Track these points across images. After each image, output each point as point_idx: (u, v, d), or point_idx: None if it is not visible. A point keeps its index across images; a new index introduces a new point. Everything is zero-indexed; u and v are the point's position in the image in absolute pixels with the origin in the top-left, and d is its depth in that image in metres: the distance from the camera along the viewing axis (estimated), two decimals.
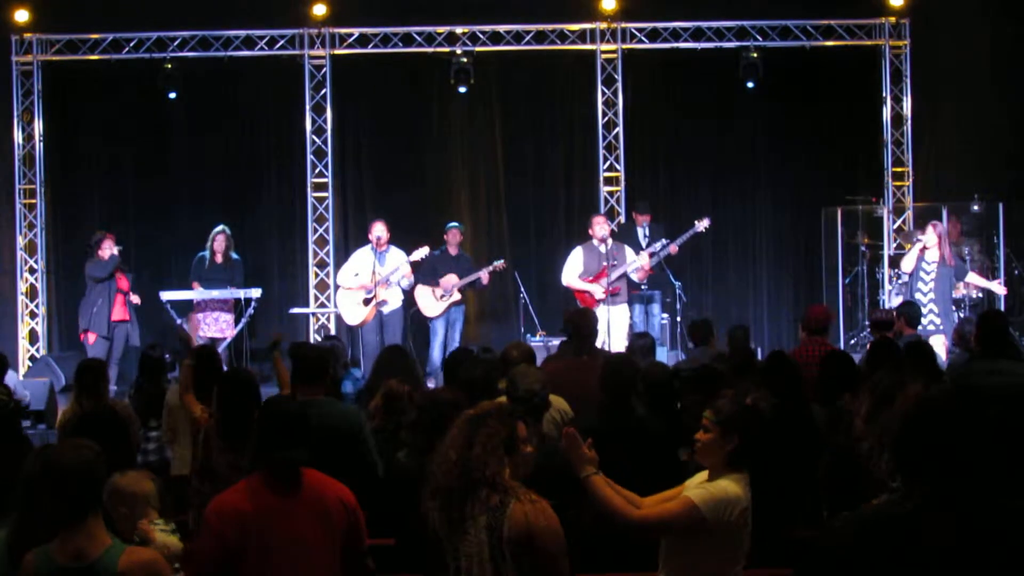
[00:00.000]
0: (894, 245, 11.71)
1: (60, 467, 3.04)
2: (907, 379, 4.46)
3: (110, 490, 3.57)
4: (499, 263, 10.69)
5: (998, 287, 10.60)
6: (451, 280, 10.60)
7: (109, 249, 10.31)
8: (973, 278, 10.28)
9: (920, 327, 8.28)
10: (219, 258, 10.99)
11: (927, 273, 9.85)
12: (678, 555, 3.58)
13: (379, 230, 10.48)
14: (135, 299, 10.60)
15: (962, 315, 10.87)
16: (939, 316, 9.38)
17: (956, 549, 2.35)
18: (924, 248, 9.79)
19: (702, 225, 10.58)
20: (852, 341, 11.56)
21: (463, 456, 3.19)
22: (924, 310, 8.87)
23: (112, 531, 3.49)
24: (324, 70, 11.83)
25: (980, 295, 11.29)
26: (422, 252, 10.45)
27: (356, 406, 5.79)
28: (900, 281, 10.42)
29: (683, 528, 3.50)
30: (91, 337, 10.37)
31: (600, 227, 10.21)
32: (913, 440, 2.44)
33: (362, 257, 10.63)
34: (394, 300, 10.58)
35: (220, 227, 11.05)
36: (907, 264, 9.98)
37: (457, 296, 10.65)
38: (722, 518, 3.47)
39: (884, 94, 11.96)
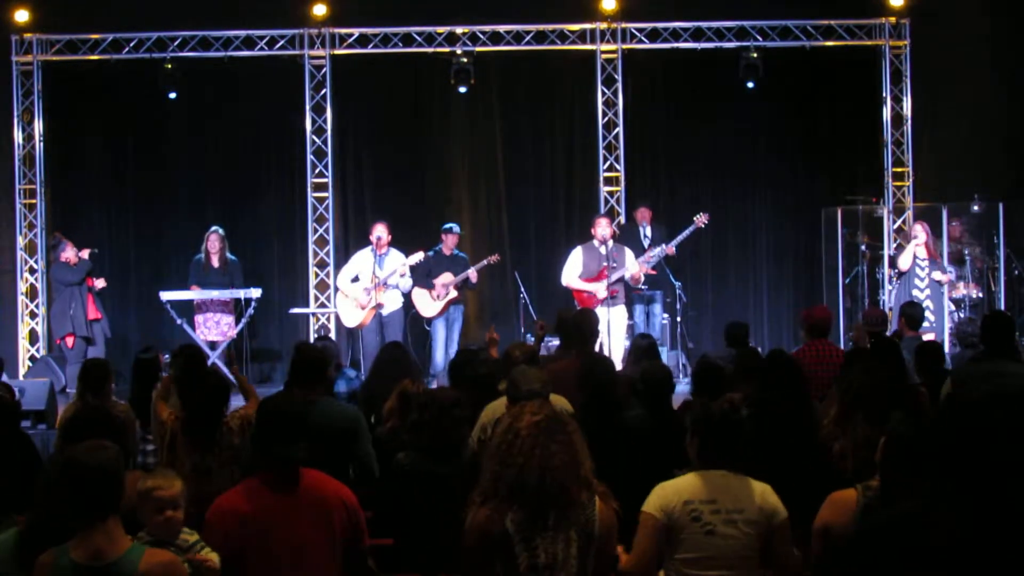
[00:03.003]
0: (894, 245, 11.70)
1: (81, 467, 3.04)
2: (881, 381, 4.47)
3: (149, 496, 3.55)
4: (492, 257, 10.70)
5: (940, 276, 10.61)
6: (446, 278, 10.60)
7: (73, 251, 10.48)
8: (937, 275, 10.48)
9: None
10: (215, 261, 10.98)
11: (922, 269, 10.02)
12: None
13: (380, 231, 10.47)
14: (100, 283, 10.74)
15: (962, 315, 10.94)
16: (933, 313, 9.44)
17: (978, 547, 2.35)
18: (918, 245, 10.01)
19: (701, 220, 10.60)
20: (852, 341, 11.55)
21: (570, 455, 3.16)
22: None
23: (148, 534, 3.50)
24: (324, 70, 11.82)
25: (980, 295, 11.31)
26: (418, 257, 10.44)
27: (354, 406, 5.77)
28: (896, 281, 10.48)
29: (651, 539, 3.51)
30: (69, 341, 10.45)
31: (603, 228, 10.20)
32: (944, 441, 2.44)
33: (362, 259, 10.62)
34: (393, 302, 10.57)
35: (213, 228, 11.06)
36: (904, 262, 10.13)
37: (454, 293, 10.65)
38: (667, 509, 3.50)
39: (884, 94, 11.95)
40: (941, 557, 2.37)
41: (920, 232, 10.21)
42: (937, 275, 10.23)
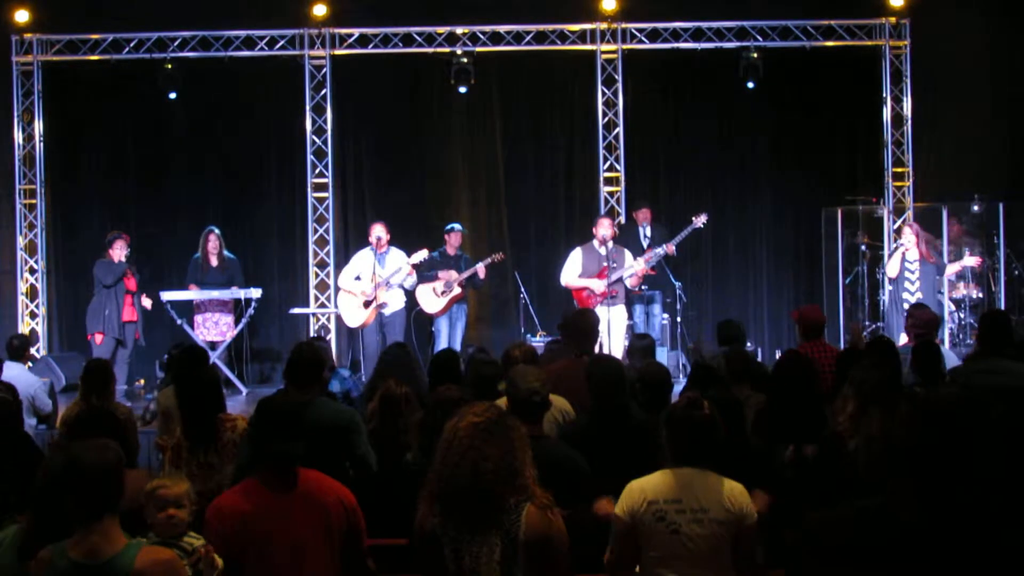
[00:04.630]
0: (893, 246, 11.70)
1: (83, 466, 3.06)
2: (892, 377, 4.48)
3: (153, 495, 3.56)
4: (497, 255, 10.70)
5: (970, 259, 10.71)
6: (451, 275, 10.60)
7: (121, 251, 10.34)
8: (950, 268, 10.46)
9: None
10: (213, 260, 10.95)
11: (911, 272, 10.04)
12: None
13: (379, 231, 10.47)
14: (146, 303, 10.63)
15: (961, 315, 10.95)
16: None
17: (943, 552, 2.35)
18: (905, 250, 10.03)
19: (700, 221, 10.59)
20: None
21: (506, 462, 3.13)
22: None
23: (155, 534, 3.49)
24: (324, 70, 11.83)
25: (980, 295, 11.32)
26: (421, 255, 10.43)
27: (350, 406, 5.76)
28: (888, 287, 10.51)
29: (622, 539, 3.54)
30: (99, 338, 10.40)
31: (605, 228, 10.19)
32: (913, 440, 2.44)
33: (363, 258, 10.62)
34: (395, 302, 10.57)
35: (209, 228, 11.04)
36: (892, 269, 10.17)
37: (458, 290, 10.64)
38: (631, 510, 3.52)
39: (884, 94, 11.95)
40: (892, 550, 2.38)
41: (908, 235, 10.20)
42: (969, 260, 10.39)
